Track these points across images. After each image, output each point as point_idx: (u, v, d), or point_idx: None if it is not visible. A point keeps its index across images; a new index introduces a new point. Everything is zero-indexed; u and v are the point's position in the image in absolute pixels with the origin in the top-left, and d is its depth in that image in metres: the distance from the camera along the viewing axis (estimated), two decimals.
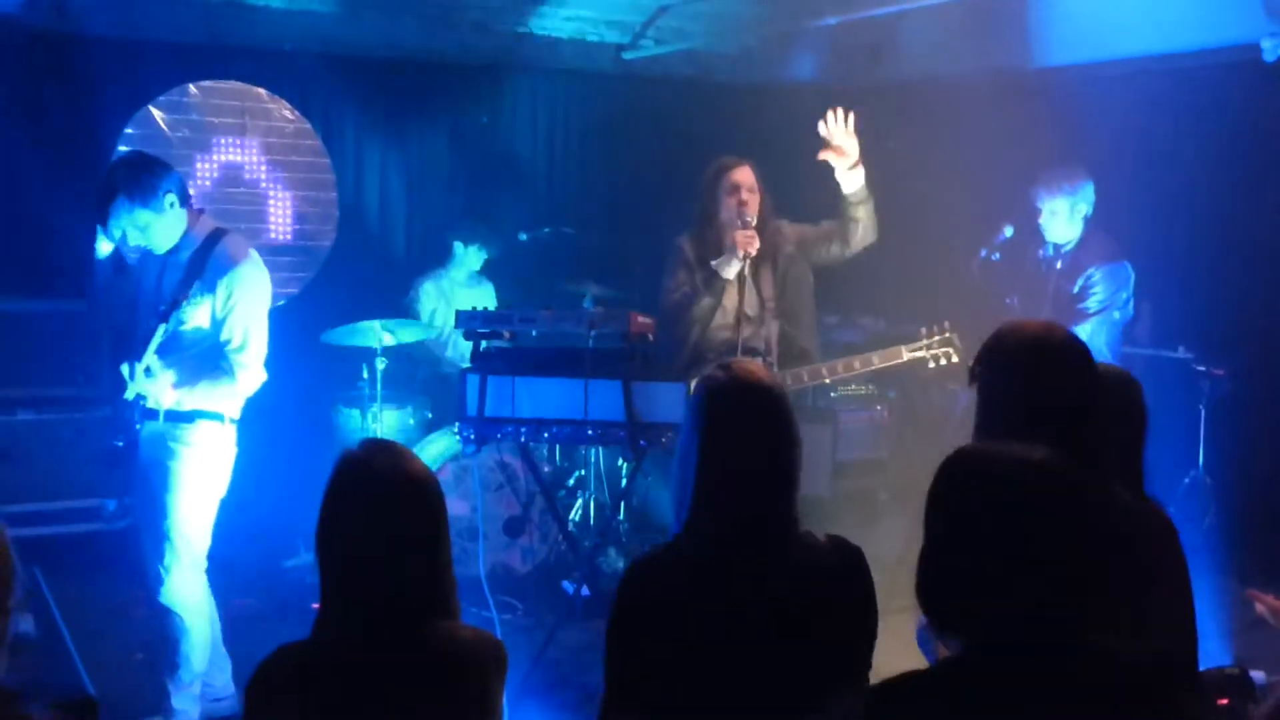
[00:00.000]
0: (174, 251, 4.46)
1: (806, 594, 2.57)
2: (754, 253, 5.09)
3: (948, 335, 5.28)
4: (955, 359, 5.30)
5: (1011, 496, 1.98)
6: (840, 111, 5.22)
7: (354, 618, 2.48)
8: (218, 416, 4.53)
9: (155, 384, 4.37)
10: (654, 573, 2.68)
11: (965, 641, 2.01)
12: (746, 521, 2.59)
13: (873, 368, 5.37)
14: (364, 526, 2.49)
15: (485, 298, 7.10)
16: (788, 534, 2.62)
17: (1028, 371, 2.65)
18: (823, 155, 5.22)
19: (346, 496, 2.52)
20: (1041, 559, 1.94)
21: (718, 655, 2.54)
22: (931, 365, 5.33)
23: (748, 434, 2.62)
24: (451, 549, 2.63)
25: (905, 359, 5.34)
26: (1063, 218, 5.52)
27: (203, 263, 4.40)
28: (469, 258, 7.15)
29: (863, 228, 5.35)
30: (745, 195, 5.24)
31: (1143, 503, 2.78)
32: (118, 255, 4.72)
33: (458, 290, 7.16)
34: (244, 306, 4.44)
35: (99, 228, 4.50)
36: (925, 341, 5.31)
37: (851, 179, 5.23)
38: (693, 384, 4.61)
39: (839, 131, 5.21)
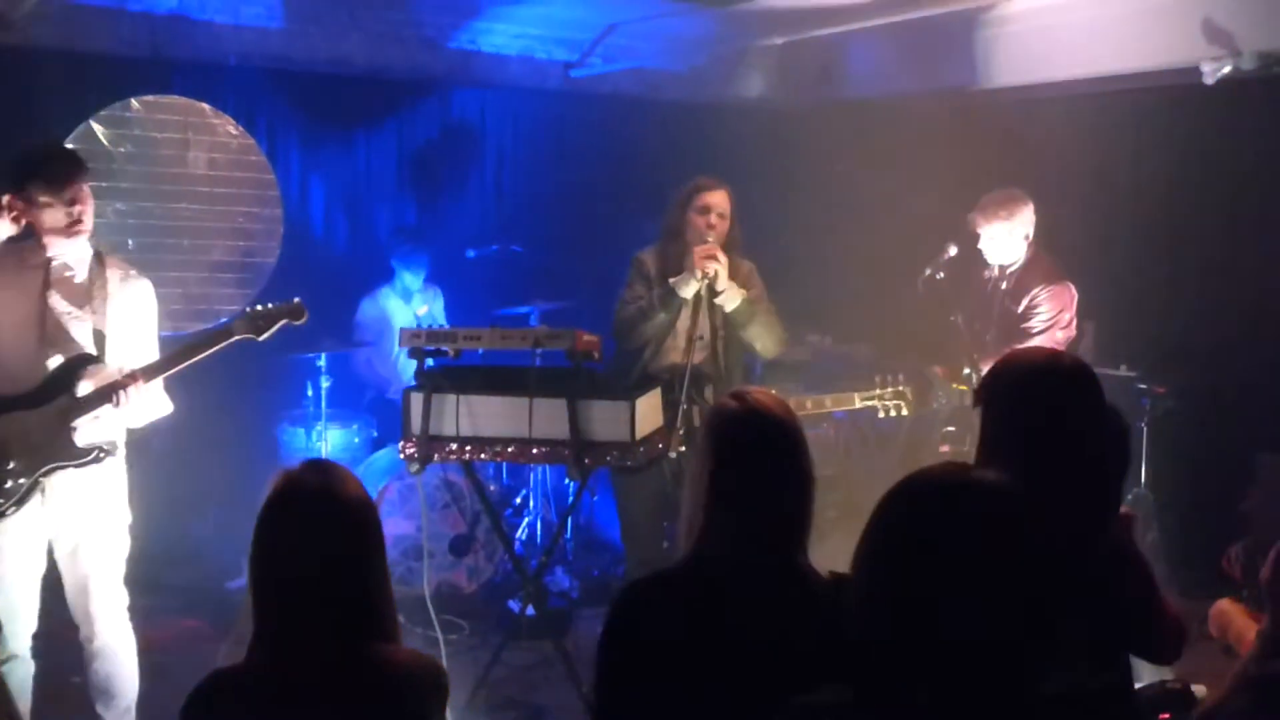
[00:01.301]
0: None
1: (806, 628, 2.52)
2: (712, 273, 4.99)
3: (901, 389, 5.35)
4: (905, 411, 5.38)
5: (944, 518, 1.85)
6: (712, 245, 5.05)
7: (287, 642, 2.45)
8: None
9: None
10: (653, 594, 2.65)
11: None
12: (753, 554, 2.56)
13: (824, 410, 5.45)
14: (296, 548, 2.46)
15: (433, 307, 7.08)
16: (794, 569, 2.59)
17: (1030, 397, 2.67)
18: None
19: (279, 518, 2.49)
20: (971, 588, 1.80)
21: (709, 683, 2.50)
22: (881, 415, 5.41)
23: (760, 468, 2.59)
24: (390, 570, 2.60)
25: (857, 406, 5.43)
26: (1000, 242, 5.58)
27: None
28: (406, 279, 7.15)
29: (759, 343, 5.23)
30: (714, 219, 5.13)
31: (1113, 531, 2.80)
32: None
33: (400, 304, 7.15)
34: None
35: None
36: (879, 391, 5.39)
37: (726, 300, 5.11)
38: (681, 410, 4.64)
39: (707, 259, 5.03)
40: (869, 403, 5.39)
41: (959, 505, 1.84)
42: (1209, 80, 6.11)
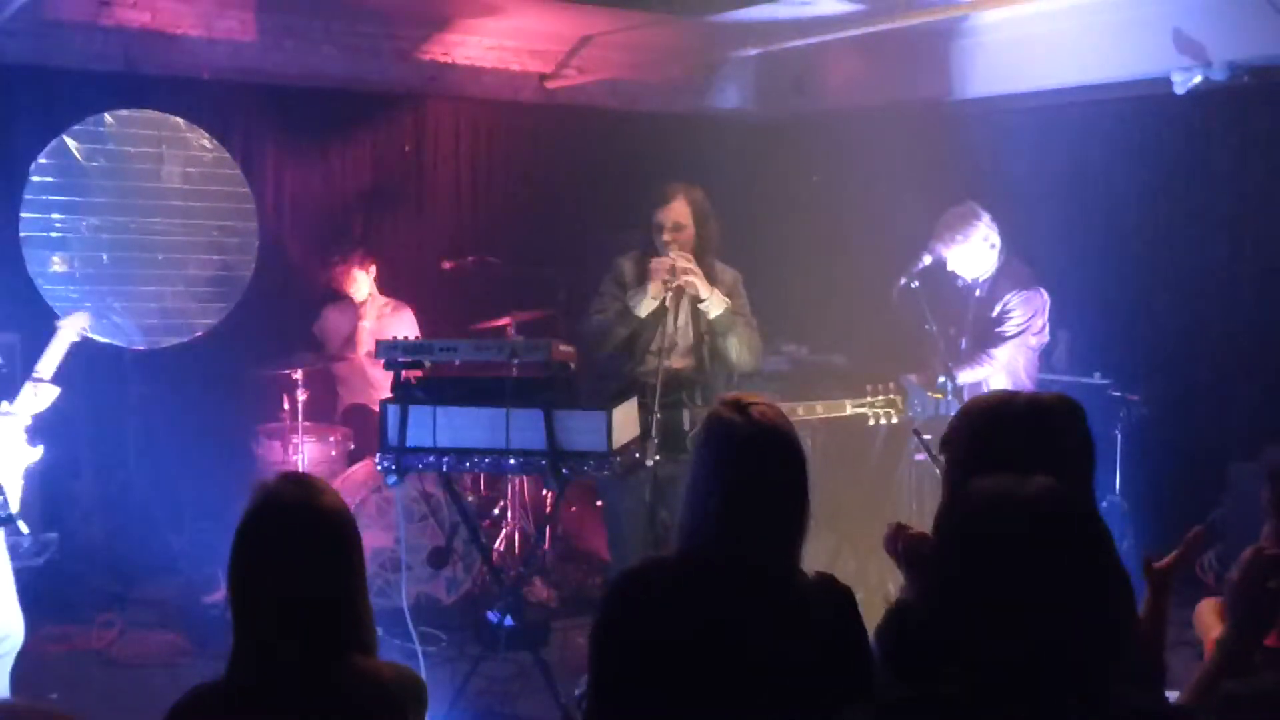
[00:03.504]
0: None
1: (795, 633, 2.54)
2: (673, 284, 4.96)
3: (892, 397, 5.39)
4: (895, 419, 5.42)
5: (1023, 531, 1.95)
6: (674, 257, 5.00)
7: (267, 656, 2.44)
8: None
9: None
10: (645, 579, 2.67)
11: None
12: (747, 561, 2.56)
13: (815, 415, 5.46)
14: (276, 561, 2.45)
15: (399, 325, 7.04)
16: (788, 576, 2.60)
17: (986, 434, 2.68)
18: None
19: (258, 531, 2.48)
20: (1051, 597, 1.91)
21: (694, 679, 2.51)
22: (871, 423, 5.44)
23: (758, 478, 2.59)
24: (368, 582, 2.60)
25: (849, 413, 5.45)
26: (966, 259, 5.62)
27: None
28: (362, 282, 7.14)
29: (735, 354, 5.14)
30: (669, 235, 5.07)
31: None
32: None
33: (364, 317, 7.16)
34: None
35: None
36: (870, 399, 5.42)
37: (710, 306, 5.08)
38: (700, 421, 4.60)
39: (675, 271, 4.98)
40: (860, 410, 5.43)
41: (1045, 513, 1.96)
42: (1180, 90, 6.17)
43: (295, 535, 2.46)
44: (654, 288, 4.97)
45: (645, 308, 5.03)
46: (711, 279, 5.08)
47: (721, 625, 2.52)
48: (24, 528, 4.43)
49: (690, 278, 4.96)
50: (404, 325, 7.01)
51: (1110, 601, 1.97)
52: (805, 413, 5.41)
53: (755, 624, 2.52)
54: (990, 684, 1.91)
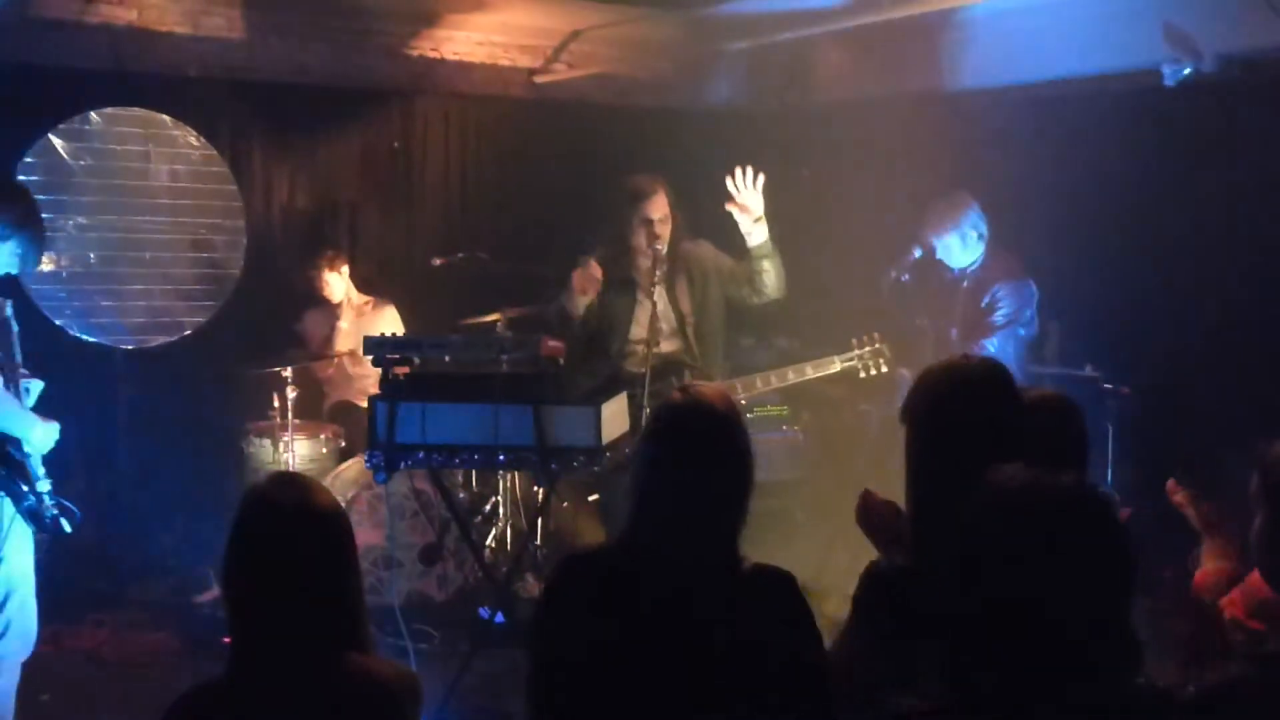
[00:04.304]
0: None
1: (734, 620, 2.53)
2: (592, 294, 5.20)
3: (878, 346, 5.44)
4: (885, 368, 5.50)
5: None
6: (749, 170, 5.28)
7: (264, 655, 2.45)
8: None
9: None
10: (582, 569, 2.67)
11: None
12: (684, 545, 2.55)
13: (806, 377, 5.52)
14: (269, 561, 2.47)
15: (379, 323, 7.03)
16: (722, 559, 2.58)
17: (944, 396, 2.70)
18: (729, 207, 5.30)
19: (251, 532, 2.50)
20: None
21: (628, 667, 2.50)
22: (863, 375, 5.52)
23: (696, 459, 2.58)
24: (363, 579, 2.60)
25: (839, 368, 5.54)
26: (955, 249, 5.65)
27: None
28: (335, 284, 7.13)
29: (770, 280, 5.44)
30: (658, 228, 5.24)
31: None
32: None
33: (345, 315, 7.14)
34: None
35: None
36: (857, 352, 5.51)
37: (757, 233, 5.33)
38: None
39: (746, 189, 5.29)
40: (849, 364, 5.51)
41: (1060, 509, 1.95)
42: (1170, 82, 6.16)
43: (290, 535, 2.47)
44: (579, 294, 5.26)
45: (580, 305, 5.33)
46: (686, 260, 5.32)
47: (657, 615, 2.50)
48: (67, 526, 4.46)
49: (733, 209, 5.26)
50: (386, 323, 7.00)
51: (1125, 602, 1.97)
52: (795, 375, 5.47)
53: (693, 612, 2.51)
54: (1009, 682, 1.90)
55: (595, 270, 5.14)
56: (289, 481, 2.60)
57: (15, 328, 4.41)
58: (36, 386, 4.55)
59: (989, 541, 1.97)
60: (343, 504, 5.97)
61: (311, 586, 2.45)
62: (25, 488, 4.32)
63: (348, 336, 6.97)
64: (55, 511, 4.42)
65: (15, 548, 4.33)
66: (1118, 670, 1.93)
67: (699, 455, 2.59)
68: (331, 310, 7.13)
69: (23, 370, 4.48)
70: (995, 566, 1.94)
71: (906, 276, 5.52)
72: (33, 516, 4.35)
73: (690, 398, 2.67)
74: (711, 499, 2.57)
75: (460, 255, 7.23)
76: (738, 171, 5.31)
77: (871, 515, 2.93)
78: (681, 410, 2.65)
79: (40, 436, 4.36)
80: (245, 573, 2.48)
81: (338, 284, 7.11)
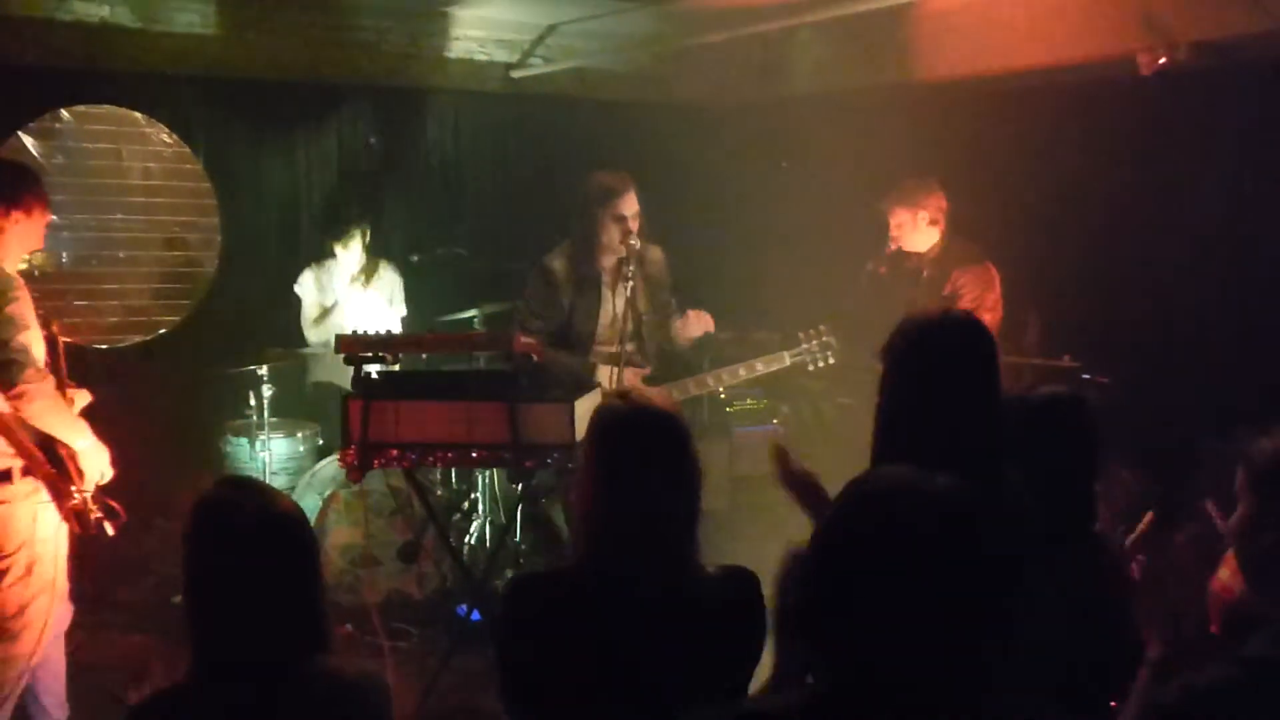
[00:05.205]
0: None
1: (692, 629, 2.52)
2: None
3: (826, 339, 5.42)
4: (833, 360, 5.49)
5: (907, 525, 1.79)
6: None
7: (227, 659, 2.43)
8: None
9: None
10: (536, 590, 2.65)
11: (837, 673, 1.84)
12: (637, 553, 2.53)
13: (757, 374, 5.49)
14: (225, 567, 2.45)
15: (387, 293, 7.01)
16: (681, 566, 2.56)
17: (924, 335, 2.80)
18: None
19: (205, 538, 2.48)
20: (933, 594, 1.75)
21: (590, 678, 2.50)
22: (810, 368, 5.47)
23: (642, 464, 2.56)
24: (338, 579, 2.59)
25: (788, 364, 5.49)
26: (909, 228, 5.71)
27: None
28: (351, 255, 7.04)
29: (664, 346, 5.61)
30: (630, 224, 5.25)
31: (1085, 539, 2.81)
32: None
33: (340, 288, 7.07)
34: None
35: None
36: (805, 346, 5.51)
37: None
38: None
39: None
40: (799, 358, 5.50)
41: (908, 509, 1.80)
42: (1145, 72, 6.15)
43: (243, 538, 2.45)
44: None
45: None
46: (644, 261, 5.33)
47: (611, 628, 2.50)
48: (110, 529, 4.48)
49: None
50: (385, 285, 7.14)
51: (997, 610, 1.82)
52: (746, 372, 5.47)
53: (648, 623, 2.49)
54: (867, 685, 1.79)
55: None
56: (241, 486, 2.58)
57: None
58: (82, 398, 4.54)
59: (849, 539, 1.84)
60: (320, 502, 5.98)
61: (269, 590, 2.43)
62: (72, 487, 4.30)
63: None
64: (100, 514, 4.42)
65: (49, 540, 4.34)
66: (971, 684, 1.79)
67: (642, 461, 2.56)
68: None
69: (69, 382, 4.47)
70: (851, 567, 1.81)
71: (883, 268, 5.52)
72: (78, 517, 4.33)
73: (630, 403, 2.65)
74: (656, 505, 2.54)
75: (438, 251, 7.22)
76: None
77: (792, 476, 2.99)
78: (622, 416, 2.63)
79: (92, 455, 4.36)
80: (203, 579, 2.47)
81: (357, 252, 7.05)
